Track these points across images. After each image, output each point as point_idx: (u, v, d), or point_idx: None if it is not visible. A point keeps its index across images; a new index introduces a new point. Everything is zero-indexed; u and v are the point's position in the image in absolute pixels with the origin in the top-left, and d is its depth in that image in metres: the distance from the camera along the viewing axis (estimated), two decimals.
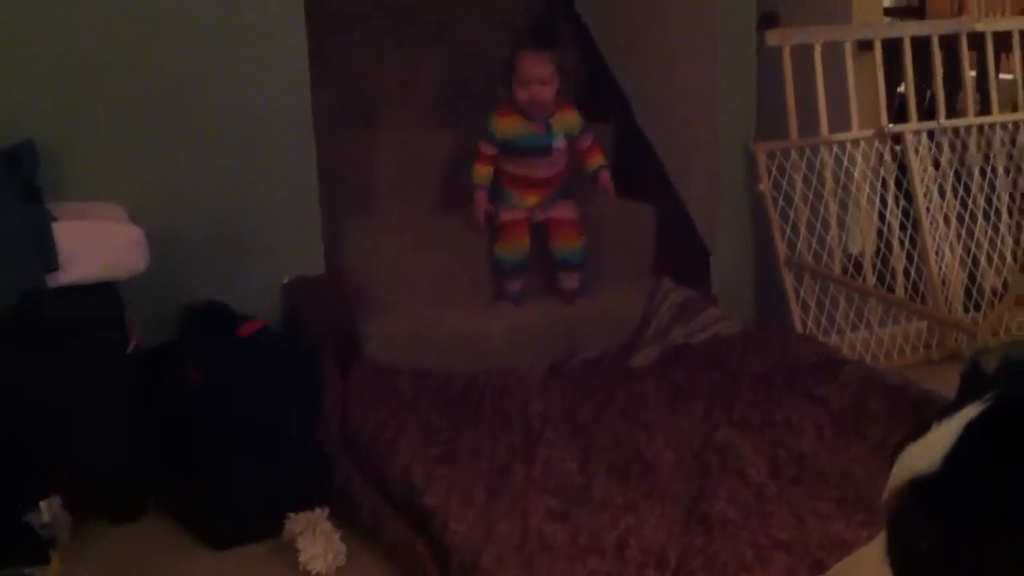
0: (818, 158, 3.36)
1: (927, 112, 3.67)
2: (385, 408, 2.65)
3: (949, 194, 3.54)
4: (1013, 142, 3.66)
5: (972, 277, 3.58)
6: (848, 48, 3.40)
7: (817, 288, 3.31)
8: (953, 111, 3.70)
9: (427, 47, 3.67)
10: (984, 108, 3.74)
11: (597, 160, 3.24)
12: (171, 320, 2.61)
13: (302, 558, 2.22)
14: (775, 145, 3.32)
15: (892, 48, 3.50)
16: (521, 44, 3.14)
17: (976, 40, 3.67)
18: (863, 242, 3.46)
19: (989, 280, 3.57)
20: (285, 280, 2.87)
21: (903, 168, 3.50)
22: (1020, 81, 3.69)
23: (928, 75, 3.59)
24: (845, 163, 3.41)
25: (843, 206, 3.42)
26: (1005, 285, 3.57)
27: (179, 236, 2.69)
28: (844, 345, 3.25)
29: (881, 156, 3.47)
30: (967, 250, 3.57)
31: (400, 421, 2.59)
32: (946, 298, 3.48)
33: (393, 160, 3.34)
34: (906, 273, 3.46)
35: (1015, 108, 3.74)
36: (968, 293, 3.56)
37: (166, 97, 2.70)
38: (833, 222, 3.35)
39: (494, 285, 3.23)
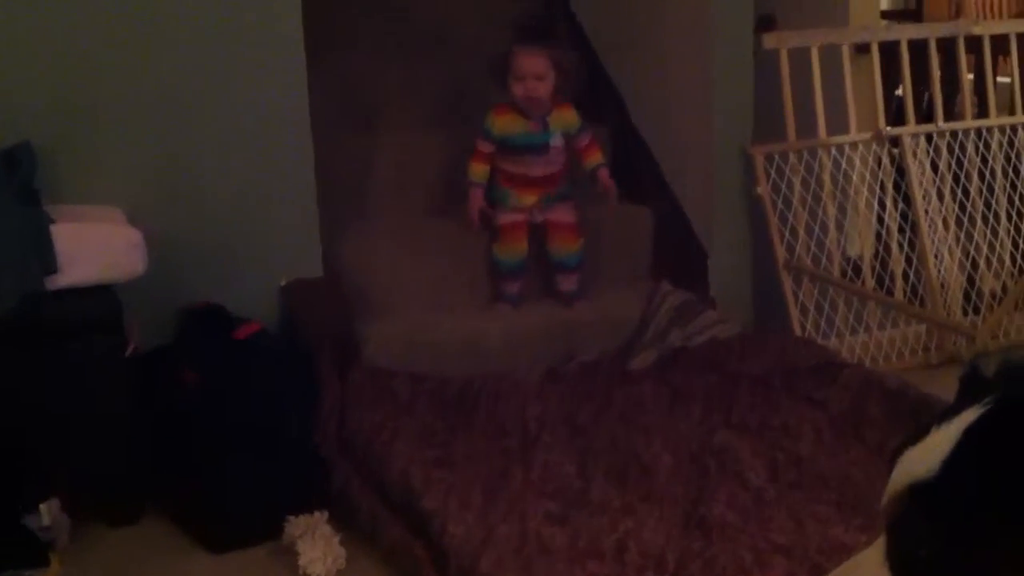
0: (816, 161, 3.36)
1: (925, 115, 3.67)
2: (382, 411, 2.64)
3: (948, 197, 3.54)
4: (1011, 145, 3.66)
5: (971, 280, 3.57)
6: (845, 51, 3.40)
7: (816, 291, 3.31)
8: (951, 114, 3.70)
9: (426, 49, 3.67)
10: (982, 111, 3.74)
11: (596, 158, 3.22)
12: (168, 323, 2.61)
13: (302, 561, 2.21)
14: (773, 148, 3.32)
15: (889, 51, 3.50)
16: (516, 40, 3.13)
17: (973, 43, 3.67)
18: (862, 245, 3.46)
19: (988, 283, 3.57)
20: (283, 283, 2.87)
21: (901, 171, 3.50)
22: (1018, 84, 3.70)
23: (926, 78, 3.59)
24: (843, 166, 3.41)
25: (841, 209, 3.41)
26: (1004, 288, 3.57)
27: (177, 238, 2.69)
28: (843, 348, 3.25)
29: (879, 159, 3.47)
30: (966, 253, 3.56)
31: (397, 424, 2.58)
32: (945, 301, 3.48)
33: (391, 163, 3.33)
34: (905, 276, 3.46)
35: (1012, 111, 3.75)
36: (967, 296, 3.55)
37: (164, 99, 2.69)
38: (832, 225, 3.35)
39: (492, 287, 3.22)
